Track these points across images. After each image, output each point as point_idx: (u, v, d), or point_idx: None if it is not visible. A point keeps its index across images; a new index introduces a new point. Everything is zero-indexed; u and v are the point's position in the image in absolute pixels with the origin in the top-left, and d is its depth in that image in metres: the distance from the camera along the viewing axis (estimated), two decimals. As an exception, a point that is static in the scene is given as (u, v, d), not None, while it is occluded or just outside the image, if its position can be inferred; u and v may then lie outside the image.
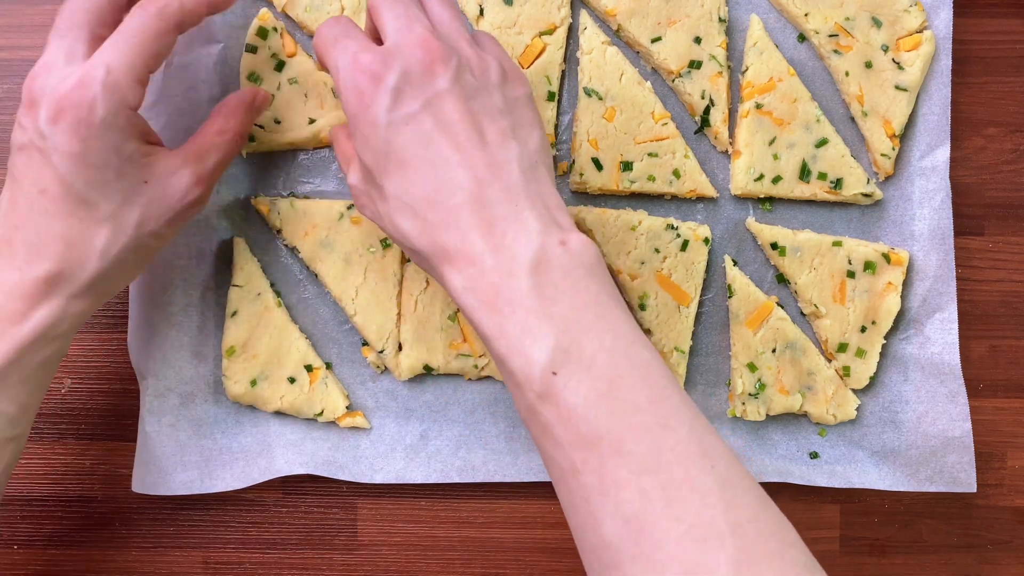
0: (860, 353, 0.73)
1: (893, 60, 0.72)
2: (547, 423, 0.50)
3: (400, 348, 0.73)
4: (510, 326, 0.50)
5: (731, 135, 0.74)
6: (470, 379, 0.74)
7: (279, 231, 0.72)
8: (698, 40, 0.72)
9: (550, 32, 0.72)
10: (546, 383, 0.49)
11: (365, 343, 0.74)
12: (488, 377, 0.74)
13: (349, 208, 0.71)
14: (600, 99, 0.72)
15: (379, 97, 0.52)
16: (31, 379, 0.57)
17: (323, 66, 0.59)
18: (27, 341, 0.55)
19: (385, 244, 0.72)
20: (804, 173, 0.72)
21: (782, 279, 0.74)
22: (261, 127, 0.71)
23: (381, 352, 0.73)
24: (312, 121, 0.71)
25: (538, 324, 0.50)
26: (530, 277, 0.51)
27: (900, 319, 0.73)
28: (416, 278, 0.73)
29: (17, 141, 0.56)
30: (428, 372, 0.73)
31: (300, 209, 0.71)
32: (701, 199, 0.74)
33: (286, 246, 0.73)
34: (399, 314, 0.73)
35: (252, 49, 0.71)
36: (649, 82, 0.73)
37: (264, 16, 0.71)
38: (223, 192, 0.72)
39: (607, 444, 0.49)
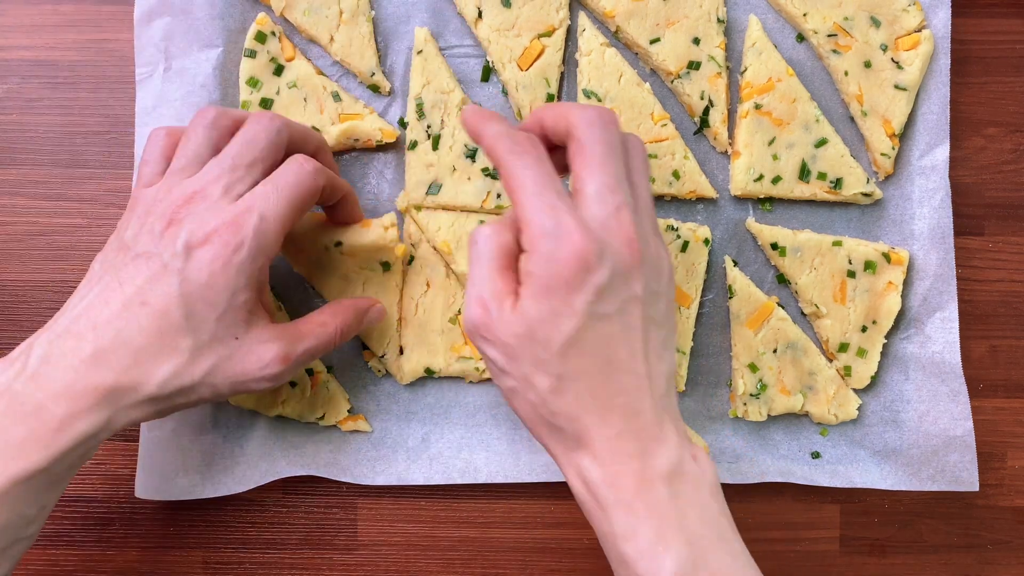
0: (861, 353, 0.73)
1: (892, 59, 0.72)
2: None
3: (401, 352, 0.73)
4: (644, 529, 0.52)
5: (730, 136, 0.74)
6: (471, 382, 0.74)
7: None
8: (697, 41, 0.72)
9: (549, 34, 0.72)
10: None
11: (366, 347, 0.74)
12: (489, 380, 0.74)
13: (337, 245, 0.70)
14: (599, 100, 0.72)
15: (584, 289, 0.52)
16: (57, 482, 0.56)
17: (507, 191, 0.56)
18: (64, 450, 0.54)
19: (386, 268, 0.72)
20: (804, 173, 0.72)
21: (782, 279, 0.74)
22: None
23: (382, 356, 0.73)
24: (313, 128, 0.71)
25: (671, 534, 0.52)
26: (667, 486, 0.53)
27: (901, 318, 0.73)
28: (416, 282, 0.73)
29: (138, 247, 0.57)
30: (430, 375, 0.73)
31: (289, 236, 0.66)
32: (701, 200, 0.74)
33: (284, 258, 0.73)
34: (400, 319, 0.73)
35: (251, 54, 0.71)
36: (648, 83, 0.73)
37: (262, 20, 0.71)
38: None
39: None
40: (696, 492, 0.54)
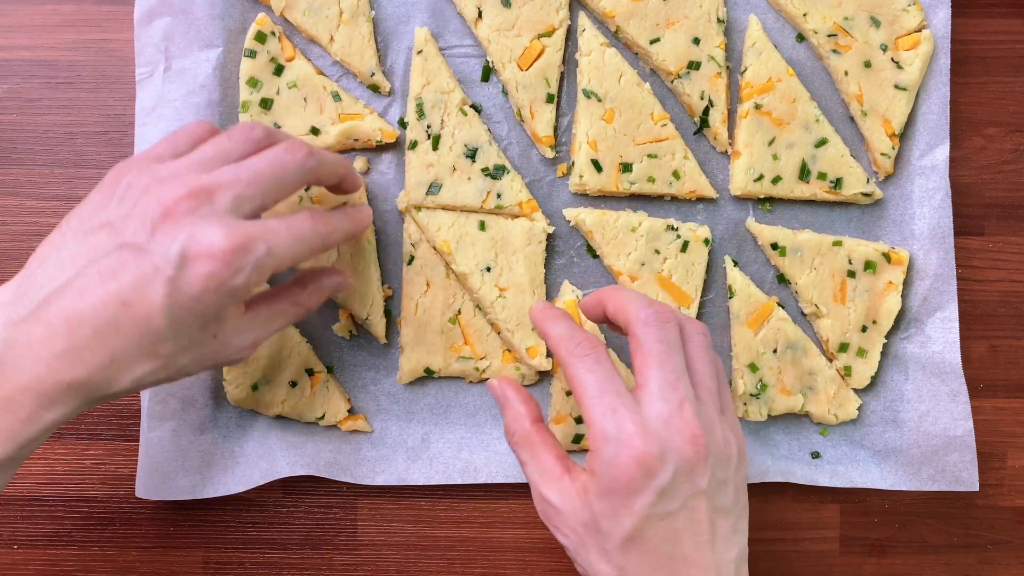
0: (861, 353, 0.73)
1: (892, 59, 0.72)
2: None
3: (386, 318, 0.73)
4: None
5: (730, 136, 0.74)
6: (471, 382, 0.74)
7: None
8: (697, 41, 0.72)
9: (549, 34, 0.72)
10: None
11: (336, 321, 0.74)
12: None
13: (307, 190, 0.71)
14: (599, 101, 0.72)
15: (646, 492, 0.53)
16: (14, 465, 0.55)
17: (572, 391, 0.58)
18: (29, 439, 0.53)
19: None
20: (804, 173, 0.72)
21: (782, 279, 0.74)
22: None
23: (365, 319, 0.73)
24: (313, 128, 0.71)
25: None
26: None
27: (901, 318, 0.73)
28: (416, 282, 0.73)
29: (126, 234, 0.52)
30: (429, 375, 0.73)
31: None
32: (701, 200, 0.74)
33: None
34: (380, 279, 0.73)
35: (251, 54, 0.71)
36: (648, 83, 0.73)
37: (262, 20, 0.71)
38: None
39: None
40: None
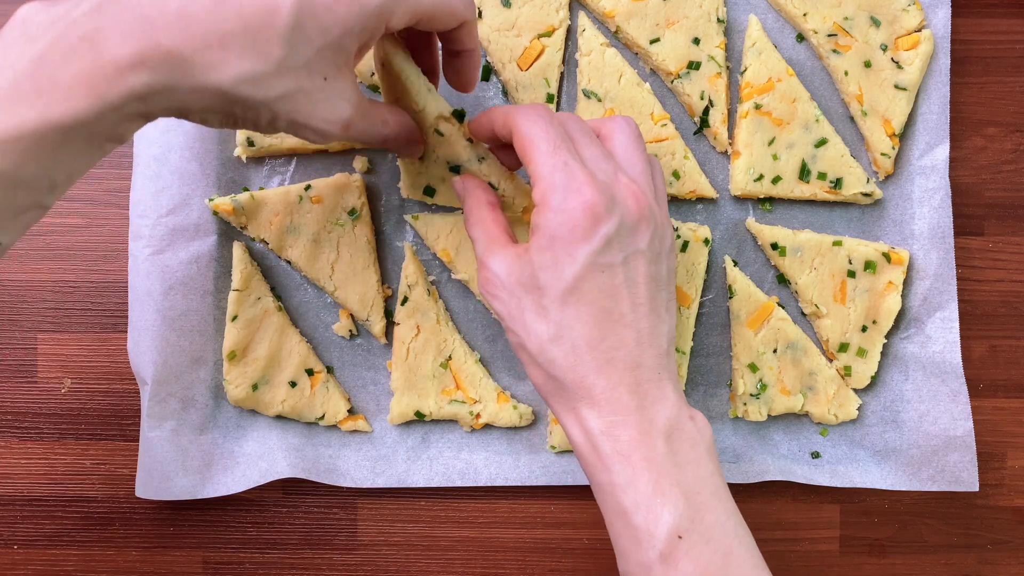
0: (861, 353, 0.73)
1: (892, 59, 0.72)
2: None
3: (389, 325, 0.73)
4: (642, 482, 0.53)
5: (730, 136, 0.74)
6: (468, 430, 0.74)
7: (244, 228, 0.72)
8: (697, 41, 0.72)
9: (548, 34, 0.72)
10: (671, 545, 0.52)
11: (336, 321, 0.74)
12: (487, 425, 0.74)
13: (307, 189, 0.71)
14: (599, 100, 0.72)
15: (591, 239, 0.54)
16: (91, 148, 0.49)
17: (520, 155, 0.57)
18: (112, 104, 0.47)
19: (353, 215, 0.72)
20: (804, 173, 0.72)
21: (782, 279, 0.74)
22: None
23: (366, 319, 0.73)
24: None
25: (669, 487, 0.53)
26: (665, 442, 0.54)
27: (901, 318, 0.73)
28: (407, 323, 0.73)
29: None
30: (420, 419, 0.74)
31: (259, 200, 0.71)
32: (701, 200, 0.74)
33: (254, 240, 0.73)
34: (379, 280, 0.73)
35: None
36: (648, 83, 0.73)
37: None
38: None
39: None
40: (693, 450, 0.55)
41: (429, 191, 0.68)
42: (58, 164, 0.48)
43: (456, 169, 0.64)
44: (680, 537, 0.52)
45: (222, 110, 0.50)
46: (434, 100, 0.60)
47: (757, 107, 0.72)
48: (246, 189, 0.72)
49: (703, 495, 0.54)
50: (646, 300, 0.56)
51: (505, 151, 0.62)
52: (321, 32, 0.49)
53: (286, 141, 0.71)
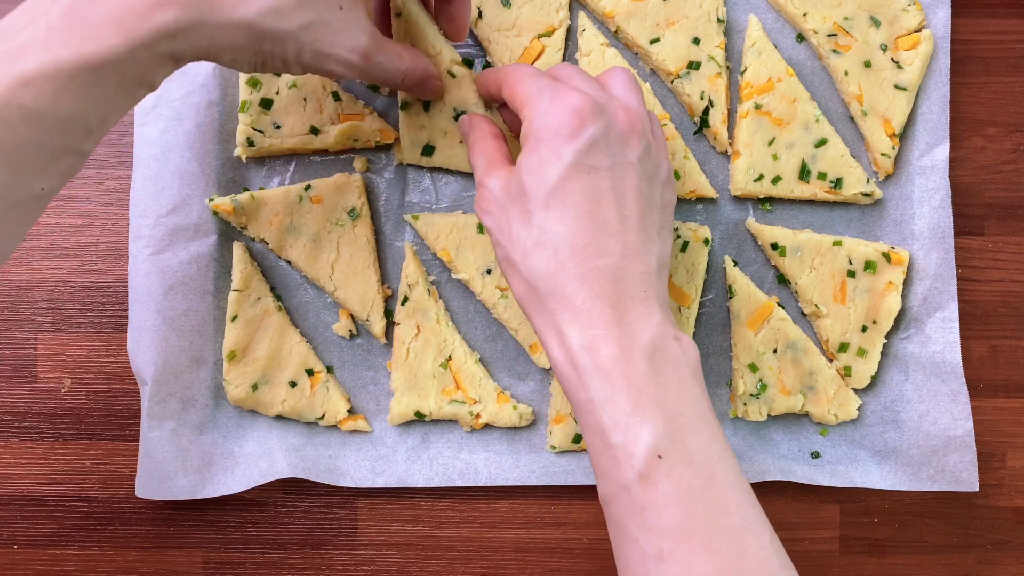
0: (861, 353, 0.73)
1: (892, 59, 0.72)
2: (641, 505, 0.51)
3: (389, 325, 0.73)
4: (621, 400, 0.52)
5: (730, 136, 0.74)
6: (469, 430, 0.74)
7: (244, 227, 0.72)
8: (697, 41, 0.72)
9: (548, 34, 0.72)
10: (650, 465, 0.51)
11: (336, 321, 0.74)
12: (487, 425, 0.74)
13: (307, 189, 0.71)
14: (599, 100, 0.72)
15: (576, 138, 0.54)
16: (122, 91, 0.50)
17: (510, 98, 0.59)
18: (142, 42, 0.48)
19: (353, 215, 0.72)
20: (804, 173, 0.72)
21: (782, 279, 0.74)
22: (260, 131, 0.71)
23: (366, 319, 0.73)
24: (313, 128, 0.71)
25: (650, 406, 0.51)
26: (647, 361, 0.53)
27: (901, 318, 0.73)
28: (407, 323, 0.73)
29: None
30: (420, 419, 0.74)
31: (259, 200, 0.71)
32: (701, 200, 0.74)
33: (254, 240, 0.73)
34: (379, 280, 0.73)
35: (252, 52, 0.71)
36: (648, 83, 0.73)
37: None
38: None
39: (697, 539, 0.50)
40: (676, 371, 0.53)
41: (428, 150, 0.68)
42: (93, 104, 0.49)
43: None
44: (660, 457, 0.51)
45: (251, 47, 0.52)
46: (448, 46, 0.65)
47: (757, 107, 0.72)
48: (246, 189, 0.72)
49: (686, 416, 0.52)
50: (635, 214, 0.55)
51: (510, 114, 0.64)
52: None
53: (286, 141, 0.71)
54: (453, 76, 0.66)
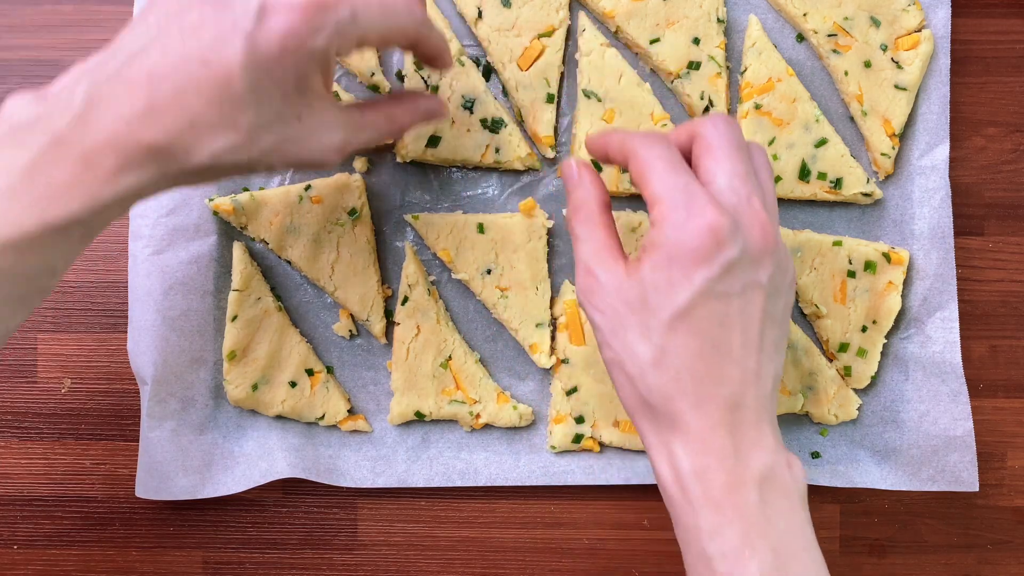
0: (861, 353, 0.73)
1: (892, 59, 0.72)
2: None
3: (389, 325, 0.73)
4: (730, 533, 0.51)
5: (730, 135, 0.74)
6: (469, 430, 0.74)
7: (244, 228, 0.72)
8: (697, 41, 0.72)
9: (548, 34, 0.72)
10: None
11: (336, 321, 0.74)
12: (487, 424, 0.74)
13: (307, 189, 0.71)
14: (599, 101, 0.72)
15: (711, 263, 0.51)
16: (88, 236, 0.51)
17: (637, 180, 0.55)
18: (107, 203, 0.49)
19: (353, 215, 0.72)
20: (804, 173, 0.72)
21: (782, 279, 0.74)
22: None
23: (366, 319, 0.73)
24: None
25: (758, 540, 0.51)
26: (758, 491, 0.52)
27: (901, 318, 0.73)
28: (407, 323, 0.73)
29: None
30: (420, 419, 0.74)
31: (259, 200, 0.71)
32: (701, 200, 0.74)
33: (255, 240, 0.73)
34: (379, 280, 0.73)
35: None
36: (648, 83, 0.73)
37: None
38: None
39: None
40: (786, 500, 0.53)
41: (434, 140, 0.68)
42: (57, 255, 0.51)
43: (470, 106, 0.65)
44: None
45: (220, 178, 0.53)
46: (453, 38, 0.67)
47: (757, 107, 0.72)
48: (246, 189, 0.72)
49: (792, 548, 0.52)
50: (757, 336, 0.53)
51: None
52: (278, 84, 0.50)
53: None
54: (462, 64, 0.66)
